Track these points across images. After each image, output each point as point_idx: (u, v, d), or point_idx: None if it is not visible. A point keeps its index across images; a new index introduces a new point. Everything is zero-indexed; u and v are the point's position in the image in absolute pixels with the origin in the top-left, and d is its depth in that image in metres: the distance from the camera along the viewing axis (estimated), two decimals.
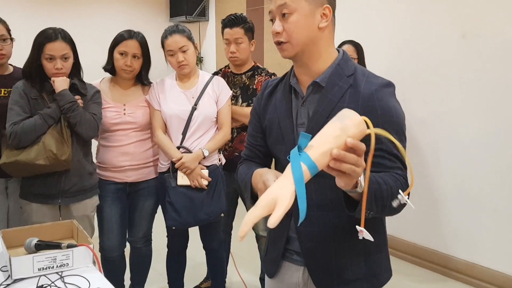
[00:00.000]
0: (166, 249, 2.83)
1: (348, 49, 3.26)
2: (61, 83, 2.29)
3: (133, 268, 2.85)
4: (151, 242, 2.83)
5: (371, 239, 1.10)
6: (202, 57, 5.72)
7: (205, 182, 2.53)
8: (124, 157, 2.58)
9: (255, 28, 2.82)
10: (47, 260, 1.54)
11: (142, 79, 2.63)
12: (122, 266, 2.76)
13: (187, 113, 2.55)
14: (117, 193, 2.62)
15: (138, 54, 2.51)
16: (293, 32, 1.26)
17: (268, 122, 1.44)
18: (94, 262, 1.63)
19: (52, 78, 2.30)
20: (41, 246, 1.65)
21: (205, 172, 2.56)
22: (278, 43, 1.30)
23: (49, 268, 1.55)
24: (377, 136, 1.01)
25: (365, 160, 1.02)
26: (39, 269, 1.53)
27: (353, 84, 1.30)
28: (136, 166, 2.61)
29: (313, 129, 1.20)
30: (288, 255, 1.43)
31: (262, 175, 1.23)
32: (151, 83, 2.68)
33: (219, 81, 2.69)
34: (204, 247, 2.84)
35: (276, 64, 4.27)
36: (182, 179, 2.54)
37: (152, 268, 2.93)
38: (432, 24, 3.31)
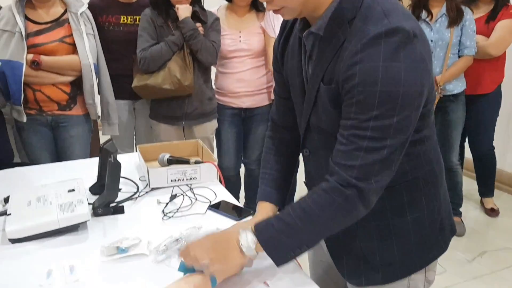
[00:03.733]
0: None
1: None
2: (184, 11, 2.41)
3: (248, 187, 3.06)
4: None
5: None
6: None
7: None
8: (239, 83, 2.69)
9: None
10: (178, 173, 1.72)
11: (257, 5, 2.66)
12: (237, 184, 2.99)
13: None
14: (233, 118, 2.78)
15: None
16: None
17: (285, 73, 1.21)
18: (218, 178, 1.79)
19: (176, 6, 2.42)
20: (172, 161, 1.84)
21: None
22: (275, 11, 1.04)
23: (180, 180, 1.73)
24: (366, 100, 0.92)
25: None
26: (172, 181, 1.72)
27: (348, 36, 0.96)
28: (250, 93, 2.72)
29: (309, 96, 1.07)
30: None
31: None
32: None
33: None
34: None
35: None
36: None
37: None
38: None
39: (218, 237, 1.08)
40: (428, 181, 1.12)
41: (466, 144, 3.36)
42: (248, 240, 1.03)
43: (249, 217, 1.50)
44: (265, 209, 1.25)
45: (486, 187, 3.40)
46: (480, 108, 3.06)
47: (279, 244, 1.02)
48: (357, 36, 0.94)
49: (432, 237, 1.15)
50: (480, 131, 3.15)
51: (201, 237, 1.08)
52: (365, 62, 0.91)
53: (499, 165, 3.34)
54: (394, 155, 0.96)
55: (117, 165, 1.46)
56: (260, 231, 1.03)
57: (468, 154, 3.40)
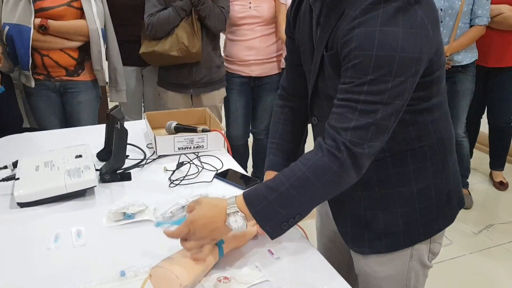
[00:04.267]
0: None
1: None
2: None
3: (255, 156, 3.06)
4: None
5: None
6: None
7: None
8: (249, 51, 2.65)
9: None
10: (185, 141, 1.72)
11: None
12: (245, 153, 2.99)
13: None
14: (242, 86, 2.75)
15: None
16: None
17: (297, 39, 1.19)
18: (225, 146, 1.78)
19: None
20: (180, 129, 1.84)
21: None
22: None
23: (187, 149, 1.73)
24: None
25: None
26: (179, 148, 1.71)
27: (350, 2, 0.95)
28: (260, 61, 2.68)
29: (316, 62, 1.06)
30: None
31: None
32: None
33: None
34: None
35: None
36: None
37: None
38: None
39: (208, 221, 1.02)
40: (436, 151, 1.10)
41: (482, 119, 3.32)
42: (238, 223, 1.00)
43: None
44: None
45: (498, 160, 3.37)
46: (503, 81, 2.99)
47: (273, 216, 0.99)
48: (358, 2, 0.93)
49: (438, 208, 1.13)
50: (500, 104, 3.09)
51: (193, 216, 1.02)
52: (362, 27, 0.91)
53: None
54: (388, 120, 0.95)
55: (124, 132, 1.46)
56: (251, 203, 0.99)
57: (481, 127, 3.36)
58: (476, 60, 2.83)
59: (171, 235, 1.04)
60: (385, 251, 1.15)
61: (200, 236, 1.01)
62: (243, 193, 1.02)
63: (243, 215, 1.00)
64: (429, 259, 1.20)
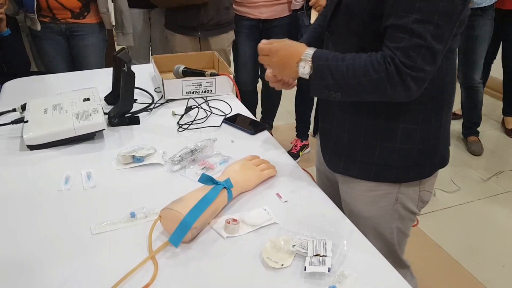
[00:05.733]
0: (295, 89, 2.93)
1: None
2: None
3: (264, 103, 3.03)
4: None
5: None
6: None
7: None
8: None
9: None
10: (193, 85, 1.69)
11: None
12: (254, 99, 2.96)
13: None
14: (251, 30, 2.68)
15: None
16: None
17: None
18: (233, 91, 1.76)
19: None
20: (188, 72, 1.81)
21: None
22: None
23: (195, 93, 1.71)
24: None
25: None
26: (187, 93, 1.70)
27: None
28: (270, 2, 2.59)
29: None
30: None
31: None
32: None
33: None
34: None
35: None
36: (316, 18, 2.48)
37: (281, 106, 3.10)
38: None
39: (290, 49, 1.10)
40: (433, 98, 1.09)
41: (493, 64, 3.23)
42: (304, 70, 1.06)
43: (265, 131, 1.49)
44: None
45: (511, 106, 3.31)
46: None
47: (324, 77, 1.03)
48: None
49: (418, 157, 1.13)
50: None
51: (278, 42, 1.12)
52: None
53: None
54: (439, 44, 0.94)
55: (131, 75, 1.44)
56: (317, 57, 1.05)
57: (493, 72, 3.28)
58: (496, 2, 2.72)
59: (260, 45, 1.12)
60: (355, 176, 1.19)
61: (274, 62, 1.11)
62: (317, 49, 1.07)
63: (311, 65, 1.05)
64: (418, 207, 1.22)
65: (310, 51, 1.06)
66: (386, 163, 1.14)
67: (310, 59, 1.05)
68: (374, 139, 1.13)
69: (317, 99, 1.27)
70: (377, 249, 0.99)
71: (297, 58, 1.06)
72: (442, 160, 1.19)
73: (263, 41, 1.12)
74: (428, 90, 1.07)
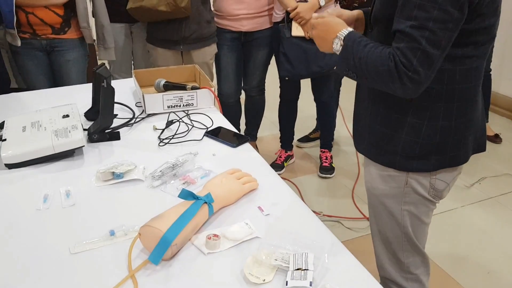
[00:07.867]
0: (279, 99, 2.94)
1: None
2: None
3: (248, 114, 3.03)
4: (264, 92, 2.94)
5: None
6: None
7: None
8: (239, 5, 2.57)
9: None
10: (174, 99, 1.69)
11: None
12: (238, 111, 2.95)
13: None
14: (233, 42, 2.69)
15: None
16: None
17: None
18: (215, 104, 1.76)
19: None
20: (169, 86, 1.80)
21: None
22: None
23: (176, 106, 1.70)
24: None
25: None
26: (168, 107, 1.69)
27: None
28: (251, 15, 2.61)
29: None
30: None
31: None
32: None
33: None
34: (314, 99, 2.89)
35: None
36: (297, 30, 2.50)
37: (265, 117, 3.10)
38: None
39: (329, 25, 1.20)
40: (440, 100, 1.15)
41: None
42: (336, 46, 1.18)
43: (246, 144, 1.49)
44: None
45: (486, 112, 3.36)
46: None
47: (347, 56, 1.14)
48: None
49: (421, 150, 1.19)
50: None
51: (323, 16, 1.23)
52: None
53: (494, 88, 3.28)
54: (434, 49, 1.02)
55: (111, 90, 1.43)
56: (348, 38, 1.15)
57: None
58: None
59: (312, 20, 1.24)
60: (371, 158, 1.29)
61: (315, 33, 1.22)
62: (352, 31, 1.17)
63: (342, 44, 1.16)
64: (430, 194, 1.27)
65: (346, 31, 1.17)
66: (393, 151, 1.22)
67: (343, 38, 1.15)
68: (387, 128, 1.22)
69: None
70: (389, 229, 1.10)
71: (334, 35, 1.18)
72: (453, 160, 1.23)
73: (314, 14, 1.25)
74: (437, 91, 1.14)
